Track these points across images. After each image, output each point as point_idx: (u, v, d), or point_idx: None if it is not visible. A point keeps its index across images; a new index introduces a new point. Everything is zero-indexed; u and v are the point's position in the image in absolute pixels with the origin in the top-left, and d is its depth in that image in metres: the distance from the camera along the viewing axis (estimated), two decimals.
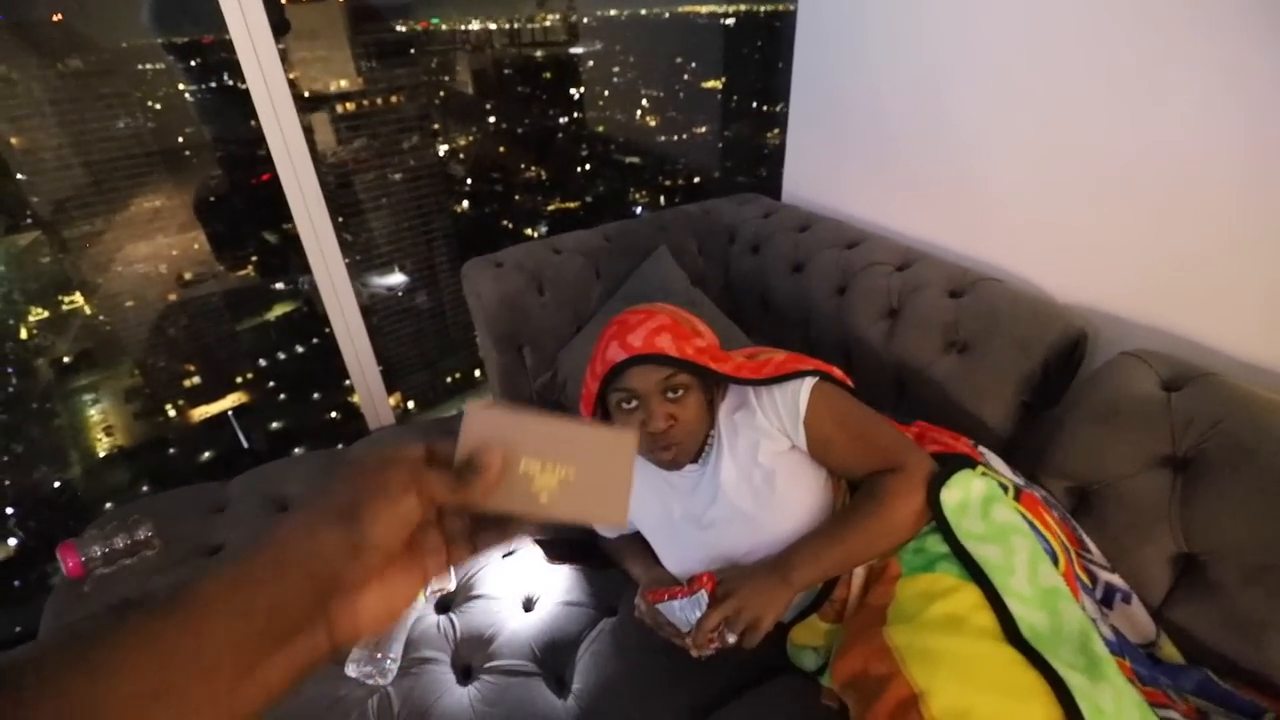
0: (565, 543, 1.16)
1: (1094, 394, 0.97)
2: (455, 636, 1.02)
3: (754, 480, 0.92)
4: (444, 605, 1.08)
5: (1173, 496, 0.87)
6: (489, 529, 0.38)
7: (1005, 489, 0.90)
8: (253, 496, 1.33)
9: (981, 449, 1.01)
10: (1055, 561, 0.82)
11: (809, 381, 0.94)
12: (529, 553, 1.15)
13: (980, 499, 0.85)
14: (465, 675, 0.97)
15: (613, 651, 0.98)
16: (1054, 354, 1.07)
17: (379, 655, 0.93)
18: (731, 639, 0.80)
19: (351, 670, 0.93)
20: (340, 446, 1.50)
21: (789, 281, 1.49)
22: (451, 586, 1.10)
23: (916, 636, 0.72)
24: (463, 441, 0.36)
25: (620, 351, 0.90)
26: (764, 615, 0.80)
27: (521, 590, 1.10)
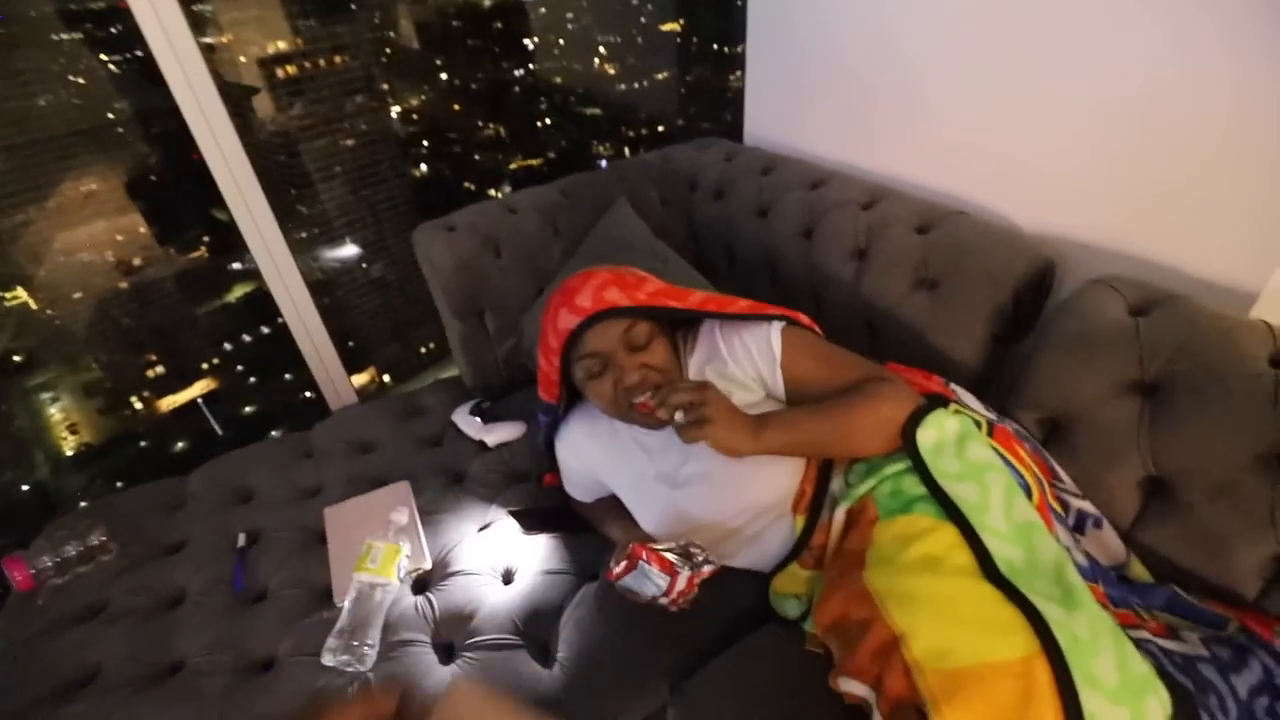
0: (540, 512, 1.14)
1: (1063, 323, 0.96)
2: (434, 616, 1.00)
3: None
4: (421, 585, 1.06)
5: (1142, 421, 0.87)
6: None
7: (979, 425, 0.89)
8: (213, 490, 1.28)
9: (953, 386, 1.00)
10: (1029, 494, 0.82)
11: (776, 325, 0.91)
12: (504, 525, 1.13)
13: (955, 437, 0.84)
14: (447, 654, 0.96)
15: (595, 616, 0.97)
16: (1023, 285, 1.05)
17: (355, 642, 0.91)
18: (680, 400, 0.76)
19: (328, 659, 0.90)
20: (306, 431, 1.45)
21: (754, 227, 1.45)
22: (428, 565, 1.07)
23: (895, 579, 0.72)
24: (439, 714, 0.38)
25: (572, 317, 0.86)
26: (715, 427, 0.75)
27: (499, 563, 1.08)
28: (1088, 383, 0.92)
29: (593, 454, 1.03)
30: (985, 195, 1.23)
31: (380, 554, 0.98)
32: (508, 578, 1.06)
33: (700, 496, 0.92)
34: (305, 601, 1.03)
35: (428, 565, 1.07)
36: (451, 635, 0.98)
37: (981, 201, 1.23)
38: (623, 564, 0.84)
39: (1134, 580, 0.88)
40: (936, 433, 0.84)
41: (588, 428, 1.03)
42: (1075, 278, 1.08)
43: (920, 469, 0.81)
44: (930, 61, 1.22)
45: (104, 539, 1.08)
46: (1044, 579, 0.70)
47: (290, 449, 1.37)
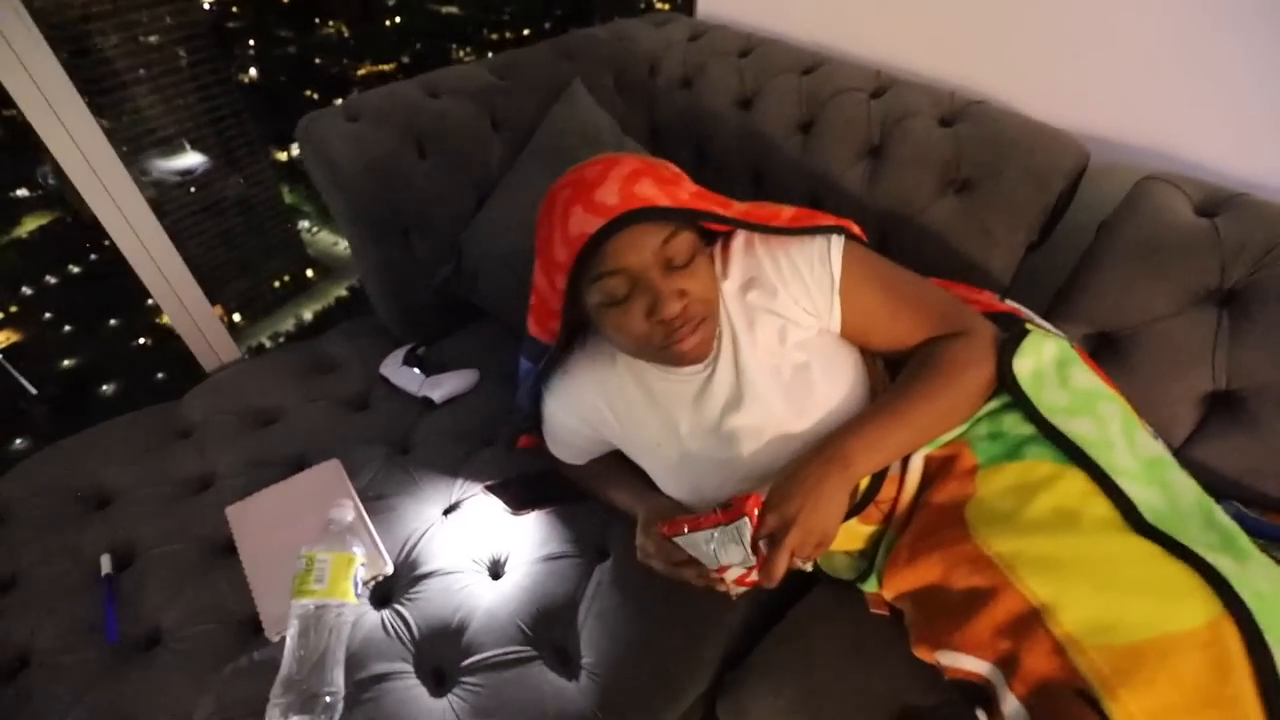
0: (526, 482, 0.92)
1: (1127, 227, 0.86)
2: (412, 634, 0.77)
3: (784, 376, 0.73)
4: (383, 597, 0.81)
5: (1219, 334, 0.80)
6: None
7: None
8: (45, 496, 0.92)
9: (1010, 302, 0.88)
10: None
11: (837, 241, 0.72)
12: (477, 503, 0.90)
13: (1054, 363, 0.72)
14: (439, 682, 0.74)
15: (620, 605, 0.79)
16: (1068, 185, 0.94)
17: (314, 692, 0.66)
18: (808, 568, 0.66)
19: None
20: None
21: (734, 120, 1.22)
22: (389, 569, 0.83)
23: (1026, 541, 0.60)
24: None
25: (592, 218, 0.62)
26: (830, 527, 0.64)
27: (482, 553, 0.85)
28: (1158, 293, 0.83)
29: (601, 407, 0.81)
30: (995, 83, 1.08)
31: (328, 568, 0.72)
32: (496, 571, 0.85)
33: (752, 452, 0.74)
34: (222, 640, 0.76)
35: (389, 569, 0.82)
36: (440, 657, 0.76)
37: (990, 90, 1.08)
38: (711, 515, 0.64)
39: None
40: (1034, 360, 0.71)
41: (594, 374, 0.81)
42: (1096, 179, 0.98)
43: (1025, 404, 0.69)
44: None
45: None
46: (1194, 524, 0.61)
47: (154, 428, 1.02)
